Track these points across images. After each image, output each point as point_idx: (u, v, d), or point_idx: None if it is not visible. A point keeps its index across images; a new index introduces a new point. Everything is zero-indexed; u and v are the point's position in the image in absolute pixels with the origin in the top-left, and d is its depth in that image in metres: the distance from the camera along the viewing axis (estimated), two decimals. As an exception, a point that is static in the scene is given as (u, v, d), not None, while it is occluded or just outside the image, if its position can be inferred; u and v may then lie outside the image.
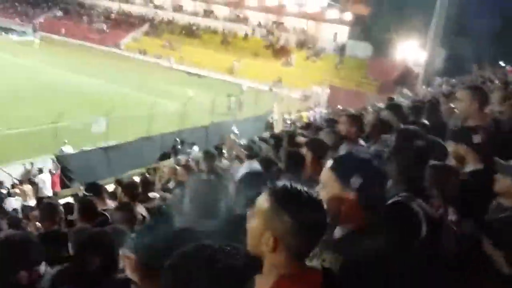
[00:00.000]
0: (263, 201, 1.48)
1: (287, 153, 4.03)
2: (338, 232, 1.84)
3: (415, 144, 2.39)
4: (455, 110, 4.61)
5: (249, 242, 1.49)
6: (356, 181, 1.79)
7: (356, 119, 4.73)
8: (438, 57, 31.36)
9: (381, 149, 4.21)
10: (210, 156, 6.32)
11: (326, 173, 1.87)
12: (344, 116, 4.91)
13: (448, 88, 12.71)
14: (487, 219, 2.50)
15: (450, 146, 3.10)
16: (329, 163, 1.91)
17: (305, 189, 1.49)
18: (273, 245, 1.42)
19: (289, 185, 1.48)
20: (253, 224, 1.48)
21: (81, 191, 10.05)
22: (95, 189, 5.28)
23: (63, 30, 50.38)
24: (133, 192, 5.26)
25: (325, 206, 1.50)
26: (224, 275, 1.23)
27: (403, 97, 12.49)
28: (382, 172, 1.94)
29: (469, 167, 3.00)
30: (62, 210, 4.70)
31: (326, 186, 1.84)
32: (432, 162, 2.60)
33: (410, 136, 2.52)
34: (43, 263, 1.88)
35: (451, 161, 3.10)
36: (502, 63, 21.87)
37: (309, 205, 1.45)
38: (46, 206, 4.76)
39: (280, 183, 1.52)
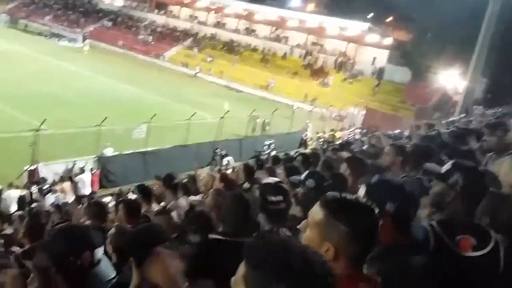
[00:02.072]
0: (316, 212, 1.53)
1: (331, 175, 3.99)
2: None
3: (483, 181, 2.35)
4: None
5: None
6: (390, 207, 1.89)
7: (401, 149, 4.45)
8: (478, 86, 30.91)
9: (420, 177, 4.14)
10: (249, 168, 6.53)
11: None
12: (389, 147, 4.66)
13: (489, 118, 12.33)
14: None
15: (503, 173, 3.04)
16: (362, 189, 2.01)
17: (354, 197, 1.58)
18: (334, 255, 1.46)
19: (339, 195, 1.55)
20: (309, 235, 1.53)
21: (123, 192, 10.58)
22: (145, 191, 5.42)
23: (120, 42, 52.42)
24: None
25: None
26: (308, 270, 1.09)
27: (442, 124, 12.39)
28: (415, 197, 2.04)
29: None
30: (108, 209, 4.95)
31: None
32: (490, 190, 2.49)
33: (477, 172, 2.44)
34: (101, 248, 2.01)
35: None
36: None
37: (362, 212, 1.51)
38: (95, 205, 4.92)
39: (330, 194, 1.58)
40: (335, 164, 5.32)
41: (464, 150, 5.47)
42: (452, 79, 35.25)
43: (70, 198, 12.30)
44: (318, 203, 1.56)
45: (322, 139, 22.71)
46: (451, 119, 18.46)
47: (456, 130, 7.51)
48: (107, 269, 2.03)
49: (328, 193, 1.60)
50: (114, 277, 2.04)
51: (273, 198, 2.89)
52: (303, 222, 1.60)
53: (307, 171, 3.76)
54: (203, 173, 6.71)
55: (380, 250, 1.73)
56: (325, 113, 29.90)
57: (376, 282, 1.53)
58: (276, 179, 3.47)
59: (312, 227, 1.53)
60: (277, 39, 51.53)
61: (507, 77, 29.61)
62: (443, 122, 14.82)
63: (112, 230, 3.29)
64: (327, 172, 3.88)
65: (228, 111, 21.05)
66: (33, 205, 10.99)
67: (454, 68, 34.77)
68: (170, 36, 54.33)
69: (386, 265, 1.71)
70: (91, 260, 1.93)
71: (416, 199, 2.03)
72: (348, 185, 3.83)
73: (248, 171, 6.38)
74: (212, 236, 2.64)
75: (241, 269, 1.16)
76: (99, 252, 1.97)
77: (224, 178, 6.28)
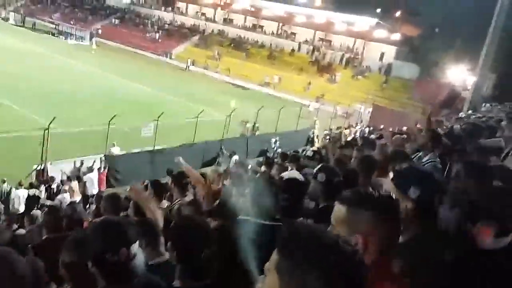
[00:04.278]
0: (338, 211, 1.59)
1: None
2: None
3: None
4: None
5: None
6: (414, 192, 1.90)
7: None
8: (487, 82, 30.67)
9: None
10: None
11: (389, 182, 2.01)
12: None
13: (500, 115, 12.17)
14: None
15: None
16: (391, 174, 2.09)
17: (371, 190, 1.64)
18: (364, 244, 1.51)
19: (355, 190, 1.63)
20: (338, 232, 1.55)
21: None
22: (157, 187, 5.39)
23: (128, 40, 52.65)
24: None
25: None
26: (341, 259, 1.09)
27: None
28: (441, 185, 2.03)
29: None
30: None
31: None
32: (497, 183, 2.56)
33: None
34: (137, 243, 2.04)
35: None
36: None
37: (381, 198, 1.59)
38: (109, 198, 4.96)
39: (346, 191, 1.64)
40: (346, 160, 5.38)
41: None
42: (460, 75, 34.99)
43: (78, 197, 12.37)
44: (336, 202, 1.61)
45: (329, 137, 22.66)
46: (459, 115, 18.34)
47: (468, 126, 7.51)
48: (142, 261, 2.07)
49: (343, 192, 1.66)
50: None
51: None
52: (331, 225, 1.62)
53: (319, 165, 3.75)
54: (208, 171, 6.68)
55: (406, 240, 1.78)
56: (333, 111, 29.77)
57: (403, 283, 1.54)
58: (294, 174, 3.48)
59: (339, 226, 1.57)
60: (285, 35, 51.43)
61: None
62: (453, 118, 14.71)
63: None
64: (339, 168, 3.87)
65: (235, 108, 21.10)
66: (48, 202, 11.06)
67: (463, 63, 34.53)
68: (178, 33, 54.43)
69: (415, 258, 1.69)
70: (128, 255, 1.97)
71: (442, 187, 2.00)
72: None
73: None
74: (243, 217, 2.64)
75: (274, 257, 1.16)
76: (135, 246, 2.01)
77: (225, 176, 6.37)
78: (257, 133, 22.05)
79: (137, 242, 2.04)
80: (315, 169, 3.59)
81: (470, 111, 22.16)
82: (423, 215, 1.86)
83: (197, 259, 2.15)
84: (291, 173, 3.33)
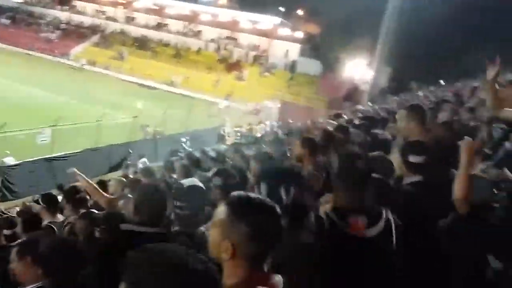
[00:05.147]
0: (221, 211, 1.54)
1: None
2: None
3: (357, 165, 2.46)
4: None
5: (210, 250, 1.56)
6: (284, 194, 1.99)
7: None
8: (383, 75, 32.86)
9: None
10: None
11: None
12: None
13: (393, 106, 13.17)
14: None
15: (396, 159, 3.31)
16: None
17: (260, 197, 1.56)
18: (231, 252, 1.48)
19: (243, 195, 1.55)
20: (213, 233, 1.55)
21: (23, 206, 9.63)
22: (50, 200, 5.01)
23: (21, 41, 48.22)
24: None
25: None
26: (192, 280, 1.07)
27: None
28: (310, 186, 2.07)
29: (409, 179, 3.20)
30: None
31: None
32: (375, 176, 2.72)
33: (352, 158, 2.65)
34: None
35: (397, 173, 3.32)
36: (442, 82, 22.52)
37: (264, 213, 1.51)
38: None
39: (235, 193, 1.57)
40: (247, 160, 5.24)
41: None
42: (359, 70, 37.07)
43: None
44: (223, 202, 1.56)
45: (240, 134, 22.68)
46: (357, 108, 19.29)
47: (363, 118, 7.90)
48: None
49: (233, 192, 1.59)
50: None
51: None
52: (211, 221, 1.62)
53: (215, 169, 3.61)
54: (111, 180, 6.08)
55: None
56: (241, 108, 29.92)
57: (275, 286, 1.49)
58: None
59: (215, 225, 1.55)
60: (190, 34, 50.81)
61: (409, 65, 31.74)
62: (351, 111, 15.39)
63: None
64: (236, 170, 3.71)
65: (142, 110, 20.27)
66: None
67: (361, 58, 36.61)
68: (76, 33, 51.33)
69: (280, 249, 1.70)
70: None
71: (311, 188, 2.09)
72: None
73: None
74: (125, 226, 2.60)
75: (121, 285, 1.10)
76: None
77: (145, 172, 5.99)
78: (158, 136, 20.99)
79: None
80: (210, 173, 3.46)
81: (369, 103, 23.53)
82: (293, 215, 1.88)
83: (72, 282, 1.81)
84: (190, 180, 3.09)
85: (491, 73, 3.56)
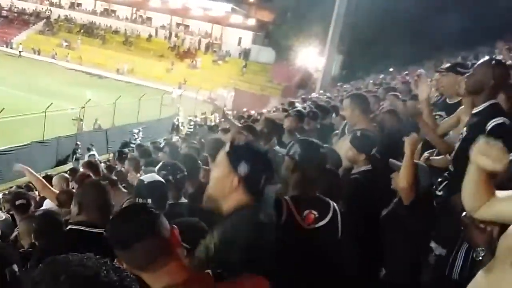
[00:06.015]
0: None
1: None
2: None
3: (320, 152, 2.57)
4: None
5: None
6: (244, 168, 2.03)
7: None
8: (335, 63, 33.38)
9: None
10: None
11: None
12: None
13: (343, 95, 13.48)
14: None
15: (349, 149, 3.38)
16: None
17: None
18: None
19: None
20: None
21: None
22: None
23: None
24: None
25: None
26: None
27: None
28: (270, 164, 2.09)
29: (359, 167, 3.32)
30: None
31: None
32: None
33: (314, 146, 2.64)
34: None
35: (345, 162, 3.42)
36: (391, 69, 22.81)
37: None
38: None
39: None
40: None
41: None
42: (311, 58, 37.46)
43: None
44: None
45: (193, 123, 22.46)
46: (310, 95, 19.55)
47: (311, 106, 8.02)
48: None
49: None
50: None
51: None
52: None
53: (160, 164, 3.54)
54: (54, 178, 5.71)
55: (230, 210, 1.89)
56: (195, 96, 29.53)
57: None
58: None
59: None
60: (140, 20, 49.40)
61: (360, 53, 32.38)
62: (302, 98, 15.58)
63: None
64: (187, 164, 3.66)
65: (90, 99, 19.59)
66: None
67: (313, 46, 36.97)
68: (18, 20, 48.63)
69: (235, 220, 1.83)
70: None
71: (271, 167, 2.03)
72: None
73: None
74: (74, 226, 2.56)
75: None
76: None
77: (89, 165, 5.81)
78: (92, 127, 19.95)
79: None
80: (156, 168, 3.38)
81: (322, 91, 23.87)
82: (250, 189, 1.91)
83: None
84: (150, 176, 3.00)
85: (424, 90, 3.65)
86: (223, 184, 1.90)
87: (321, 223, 2.31)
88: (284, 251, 1.85)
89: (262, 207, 1.90)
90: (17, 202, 4.54)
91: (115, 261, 1.11)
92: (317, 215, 2.31)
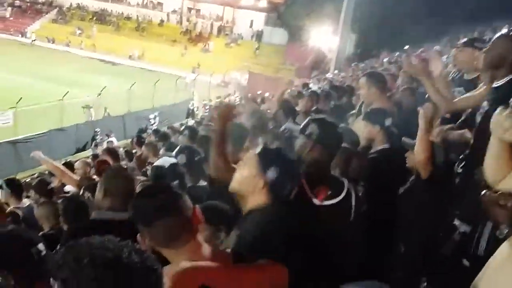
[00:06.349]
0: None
1: None
2: None
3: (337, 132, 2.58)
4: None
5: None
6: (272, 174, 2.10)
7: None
8: (349, 42, 32.86)
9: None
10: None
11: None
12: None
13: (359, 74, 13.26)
14: None
15: (364, 127, 3.39)
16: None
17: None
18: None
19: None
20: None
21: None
22: (13, 185, 4.96)
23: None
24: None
25: None
26: (127, 274, 1.01)
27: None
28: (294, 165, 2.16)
29: (376, 146, 3.30)
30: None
31: None
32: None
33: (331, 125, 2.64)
34: None
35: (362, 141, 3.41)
36: (406, 47, 22.36)
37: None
38: None
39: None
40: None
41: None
42: (325, 37, 36.93)
43: None
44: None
45: (209, 107, 22.49)
46: (325, 76, 19.37)
47: (326, 88, 7.96)
48: None
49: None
50: None
51: None
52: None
53: (178, 147, 3.59)
54: (76, 163, 5.87)
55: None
56: (209, 80, 29.49)
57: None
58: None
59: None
60: (151, 5, 49.26)
61: (375, 32, 31.78)
62: (317, 79, 15.45)
63: None
64: (204, 146, 3.68)
65: (105, 86, 19.72)
66: None
67: (326, 26, 36.42)
68: (31, 9, 48.95)
69: (255, 219, 1.91)
70: None
71: (298, 176, 2.10)
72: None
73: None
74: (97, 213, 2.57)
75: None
76: None
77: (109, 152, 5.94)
78: (102, 116, 19.74)
79: None
80: (174, 151, 3.43)
81: (336, 71, 23.62)
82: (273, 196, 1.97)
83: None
84: (162, 160, 3.06)
85: (437, 67, 3.57)
86: (248, 183, 1.95)
87: (333, 201, 2.31)
88: (293, 227, 1.89)
89: (283, 209, 1.93)
90: (48, 187, 4.67)
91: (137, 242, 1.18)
92: (329, 193, 2.32)
